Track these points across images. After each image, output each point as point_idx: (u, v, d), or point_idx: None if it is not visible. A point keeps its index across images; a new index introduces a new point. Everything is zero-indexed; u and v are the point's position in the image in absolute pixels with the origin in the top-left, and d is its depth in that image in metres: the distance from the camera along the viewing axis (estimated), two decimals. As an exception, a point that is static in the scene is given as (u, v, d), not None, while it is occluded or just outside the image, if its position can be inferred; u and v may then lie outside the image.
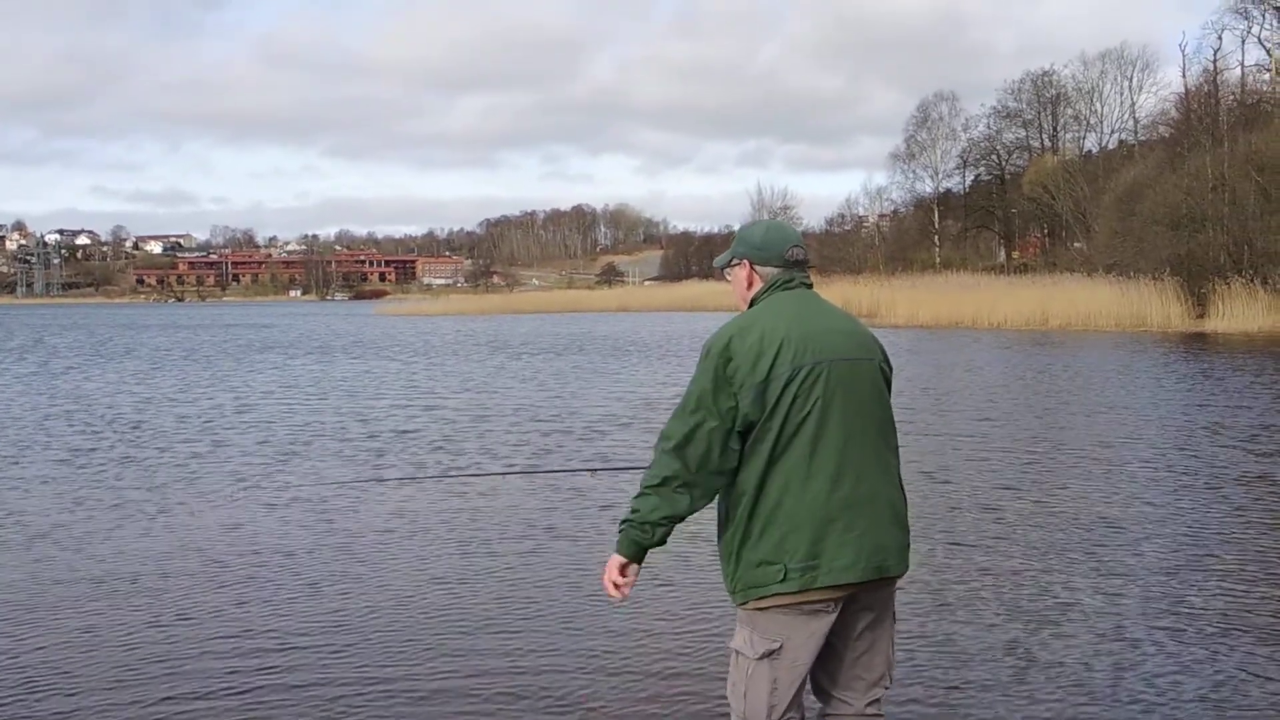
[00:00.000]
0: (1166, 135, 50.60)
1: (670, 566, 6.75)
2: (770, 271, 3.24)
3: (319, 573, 6.93)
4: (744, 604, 3.08)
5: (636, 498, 3.11)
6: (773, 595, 3.01)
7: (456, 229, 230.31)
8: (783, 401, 2.99)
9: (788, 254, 3.23)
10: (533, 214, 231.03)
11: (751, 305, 3.24)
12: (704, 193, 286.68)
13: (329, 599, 6.36)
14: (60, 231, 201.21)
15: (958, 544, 7.46)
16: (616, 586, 3.16)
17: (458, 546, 7.60)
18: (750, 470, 3.04)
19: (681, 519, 3.08)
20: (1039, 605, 6.03)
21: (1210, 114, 41.95)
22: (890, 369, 3.27)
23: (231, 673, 5.11)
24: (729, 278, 3.36)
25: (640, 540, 3.10)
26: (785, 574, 2.97)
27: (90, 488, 10.01)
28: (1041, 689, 4.79)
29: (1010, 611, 5.92)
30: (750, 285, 3.28)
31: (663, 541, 3.11)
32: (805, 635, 3.04)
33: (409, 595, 6.40)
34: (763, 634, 3.05)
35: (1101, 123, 72.07)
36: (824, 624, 3.05)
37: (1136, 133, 67.89)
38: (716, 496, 3.12)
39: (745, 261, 3.29)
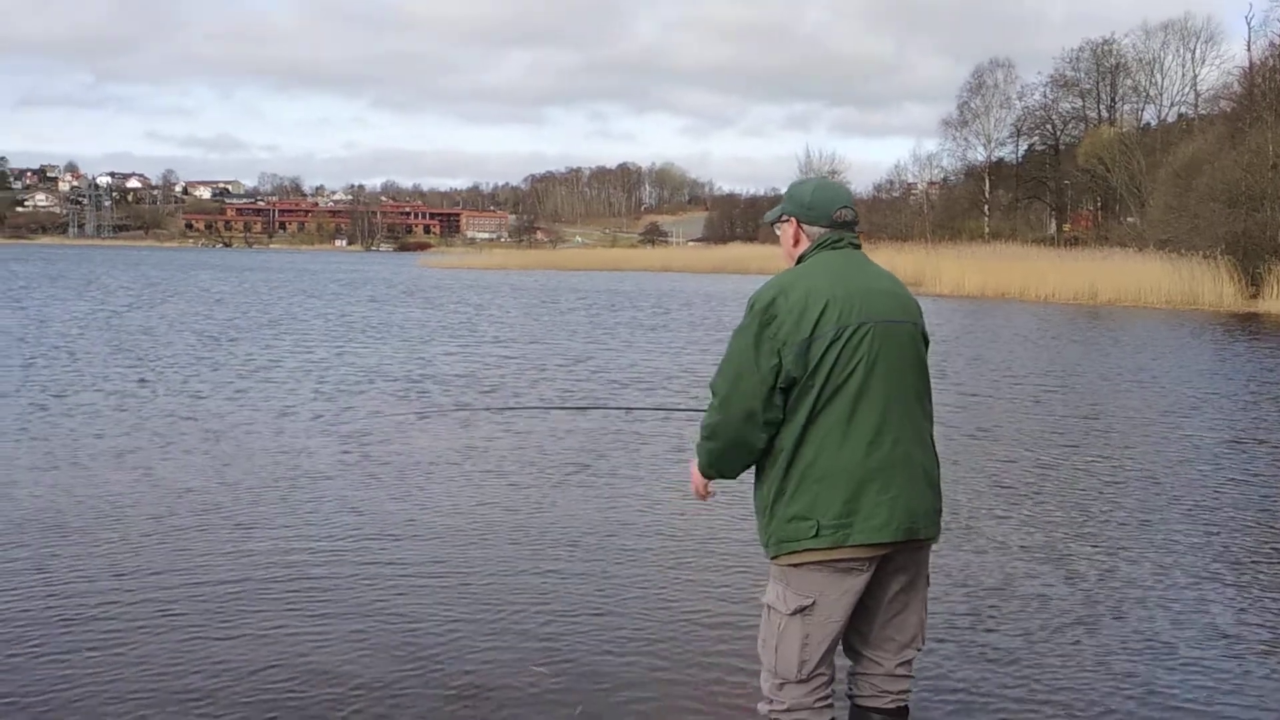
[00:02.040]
0: (1228, 110, 49.43)
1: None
2: (817, 231, 3.23)
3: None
4: (776, 558, 3.12)
5: (697, 445, 3.29)
6: (805, 550, 3.03)
7: (501, 184, 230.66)
8: (825, 360, 3.00)
9: (836, 215, 3.22)
10: (578, 171, 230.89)
11: (798, 263, 3.23)
12: (750, 155, 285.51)
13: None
14: (111, 174, 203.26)
15: (996, 508, 7.36)
16: (701, 494, 3.45)
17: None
18: (790, 426, 3.06)
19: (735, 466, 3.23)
20: (1084, 571, 5.94)
21: (1274, 89, 40.92)
22: (927, 334, 3.28)
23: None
24: (777, 232, 3.35)
25: (708, 475, 3.34)
26: (818, 530, 2.99)
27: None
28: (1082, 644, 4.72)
29: (1057, 573, 5.84)
30: (797, 243, 3.27)
31: (732, 476, 3.28)
32: (839, 592, 3.06)
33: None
34: (796, 590, 3.08)
35: (1161, 95, 70.50)
36: (858, 582, 3.06)
37: (1197, 106, 66.32)
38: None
39: (792, 219, 3.28)
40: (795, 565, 3.06)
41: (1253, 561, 6.56)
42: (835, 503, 2.99)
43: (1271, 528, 7.37)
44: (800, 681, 3.13)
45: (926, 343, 3.25)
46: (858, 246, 3.25)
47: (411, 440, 10.12)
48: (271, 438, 10.04)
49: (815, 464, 3.01)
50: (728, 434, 3.12)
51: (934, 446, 3.23)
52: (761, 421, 3.07)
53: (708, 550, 6.57)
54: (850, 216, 3.23)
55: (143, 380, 13.70)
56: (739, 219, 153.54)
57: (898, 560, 3.11)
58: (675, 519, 7.33)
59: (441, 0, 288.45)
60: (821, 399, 3.00)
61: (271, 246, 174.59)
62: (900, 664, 3.24)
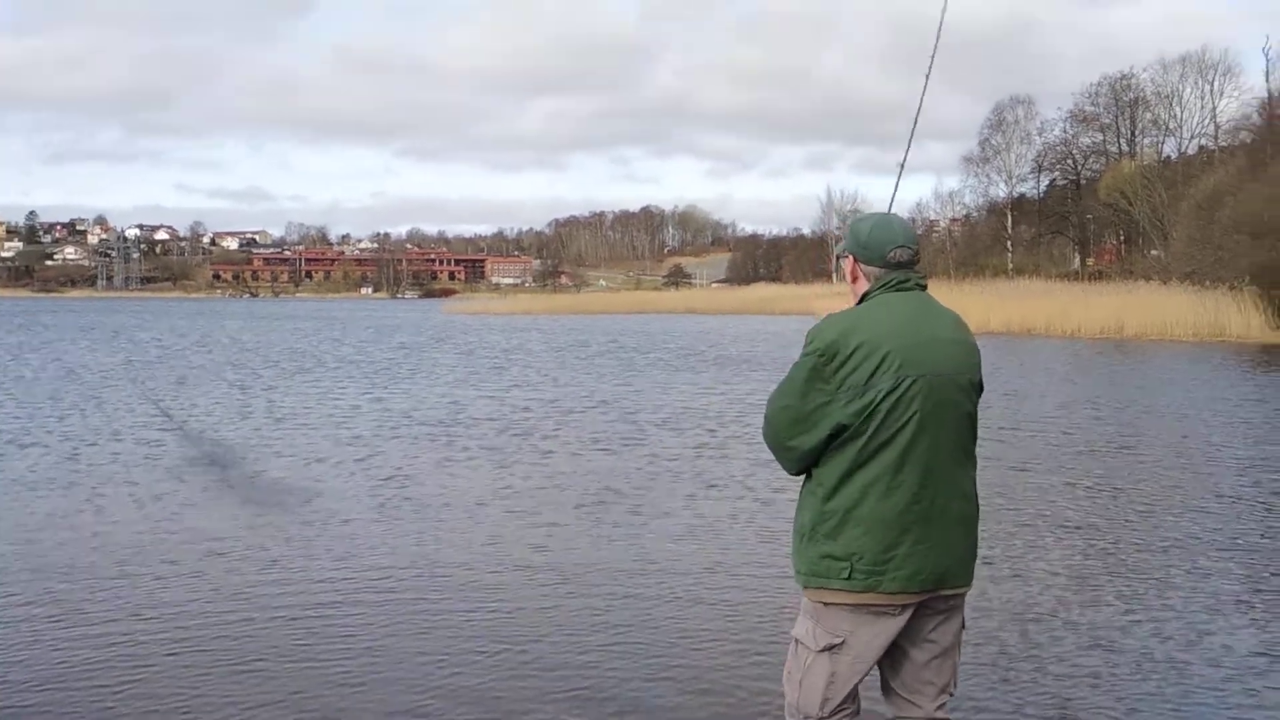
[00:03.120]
0: (1248, 141, 49.38)
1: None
2: (874, 270, 3.20)
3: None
4: (806, 589, 3.13)
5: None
6: (835, 591, 3.04)
7: (525, 229, 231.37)
8: (880, 409, 3.00)
9: (890, 255, 3.18)
10: (601, 214, 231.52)
11: (862, 300, 3.21)
12: (772, 196, 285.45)
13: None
14: (140, 226, 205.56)
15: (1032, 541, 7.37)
16: None
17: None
18: (834, 465, 3.06)
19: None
20: (1107, 608, 5.95)
21: (1295, 120, 40.88)
22: (981, 382, 3.26)
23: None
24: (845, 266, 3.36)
25: None
26: (851, 573, 3.00)
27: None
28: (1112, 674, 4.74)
29: (1084, 602, 5.86)
30: (855, 280, 3.27)
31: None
32: (870, 634, 3.06)
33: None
34: (826, 628, 3.09)
35: (1181, 128, 70.36)
36: (891, 626, 3.07)
37: (1217, 138, 66.24)
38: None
39: (850, 256, 3.28)
40: (826, 604, 3.08)
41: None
42: (871, 549, 3.00)
43: (1304, 557, 7.35)
44: (822, 718, 3.13)
45: (980, 391, 3.24)
46: (924, 288, 3.22)
47: (444, 481, 10.21)
48: (308, 482, 10.15)
49: (857, 508, 3.02)
50: (770, 445, 3.19)
51: (975, 495, 3.21)
52: (796, 456, 3.11)
53: (735, 581, 6.62)
54: (906, 257, 3.18)
55: (174, 428, 13.87)
56: (762, 260, 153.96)
57: (935, 605, 3.11)
58: (706, 554, 7.38)
59: (467, 51, 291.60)
60: (870, 447, 3.01)
61: (298, 295, 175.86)
62: (938, 707, 3.22)
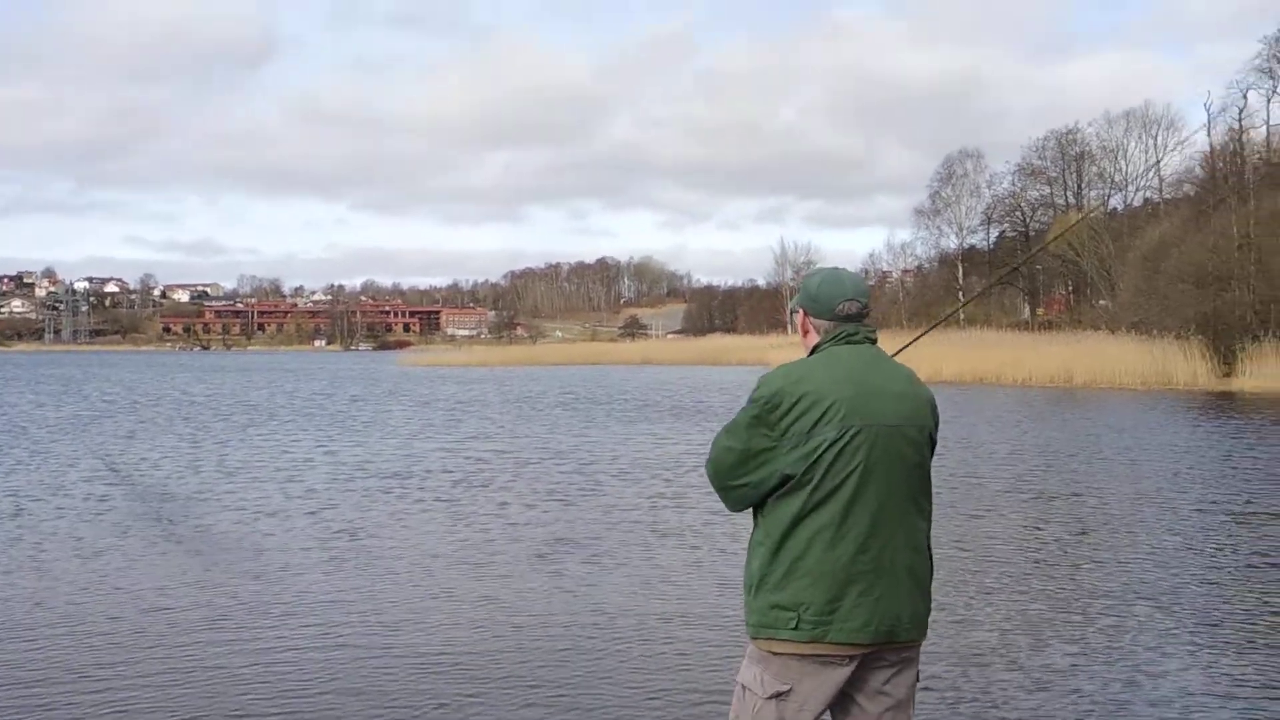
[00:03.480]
0: (1192, 193, 50.52)
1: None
2: (824, 324, 3.23)
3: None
4: (755, 639, 3.12)
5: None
6: (783, 641, 3.04)
7: (481, 280, 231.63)
8: (823, 460, 3.01)
9: (839, 308, 3.21)
10: (557, 266, 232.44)
11: (813, 353, 3.23)
12: (726, 247, 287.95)
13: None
14: (89, 279, 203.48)
15: (988, 592, 7.39)
16: None
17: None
18: (781, 515, 3.06)
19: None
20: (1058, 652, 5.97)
21: (1236, 172, 41.93)
22: (936, 433, 3.26)
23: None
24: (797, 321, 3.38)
25: None
26: (798, 623, 3.00)
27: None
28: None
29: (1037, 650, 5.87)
30: (806, 333, 3.29)
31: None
32: (816, 683, 3.05)
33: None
34: (774, 675, 3.07)
35: (1126, 181, 71.93)
36: (837, 675, 3.05)
37: (1161, 191, 67.73)
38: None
39: (801, 310, 3.31)
40: (774, 653, 3.07)
41: (1243, 623, 6.60)
42: (818, 600, 3.00)
43: (1261, 595, 7.42)
44: None
45: (934, 441, 3.24)
46: (873, 341, 3.25)
47: (397, 533, 10.08)
48: (258, 535, 9.99)
49: (803, 559, 3.02)
50: (713, 483, 3.19)
51: (928, 548, 3.20)
52: (736, 497, 3.13)
53: (690, 630, 6.58)
54: (854, 310, 3.21)
55: (121, 482, 13.63)
56: (717, 310, 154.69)
57: (887, 657, 3.10)
58: (661, 601, 7.33)
59: (423, 104, 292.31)
60: (815, 497, 3.01)
61: (250, 348, 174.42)
62: None
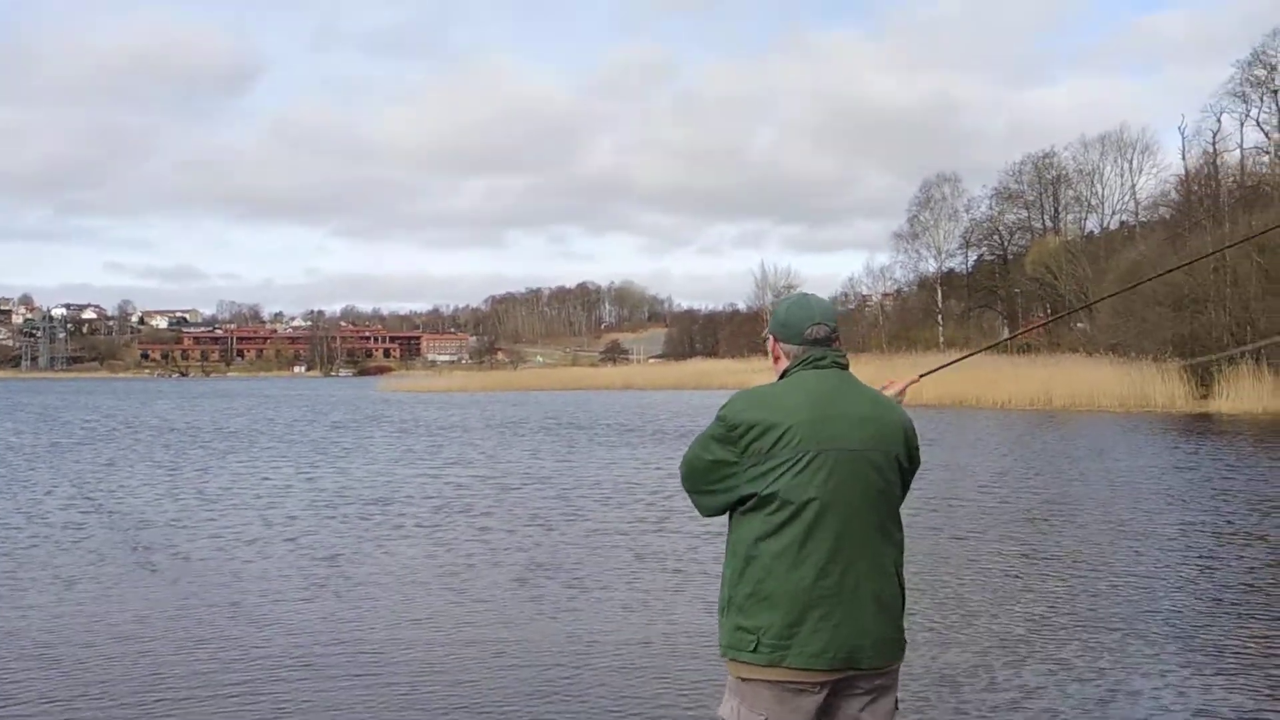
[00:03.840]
0: (1167, 216, 51.01)
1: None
2: (793, 349, 3.24)
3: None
4: (725, 659, 3.13)
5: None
6: (745, 664, 3.04)
7: (462, 306, 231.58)
8: (781, 483, 3.02)
9: (807, 332, 3.22)
10: (538, 291, 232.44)
11: (782, 378, 3.25)
12: (707, 272, 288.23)
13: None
14: (67, 306, 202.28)
15: (969, 614, 7.40)
16: None
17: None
18: (744, 536, 3.09)
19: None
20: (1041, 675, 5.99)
21: (1210, 195, 42.37)
22: (911, 460, 3.24)
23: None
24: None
25: None
26: (757, 645, 3.00)
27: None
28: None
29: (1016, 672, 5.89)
30: (777, 359, 3.31)
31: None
32: (789, 711, 3.03)
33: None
34: (749, 706, 3.07)
35: (1103, 204, 72.69)
36: (807, 703, 3.04)
37: (1137, 214, 68.44)
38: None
39: (771, 336, 3.33)
40: (745, 680, 3.07)
41: (1224, 648, 6.63)
42: (777, 624, 3.00)
43: (1243, 614, 7.46)
44: None
45: (907, 466, 3.23)
46: (843, 365, 3.25)
47: (378, 559, 10.03)
48: (237, 563, 9.92)
49: (764, 582, 3.03)
50: (685, 487, 3.27)
51: (898, 574, 3.18)
52: (705, 504, 3.19)
53: (674, 653, 6.56)
54: (823, 334, 3.23)
55: (100, 510, 13.53)
56: (699, 335, 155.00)
57: (858, 685, 3.08)
58: (642, 626, 7.31)
59: (402, 130, 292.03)
60: (775, 520, 3.02)
61: (229, 375, 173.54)
62: None
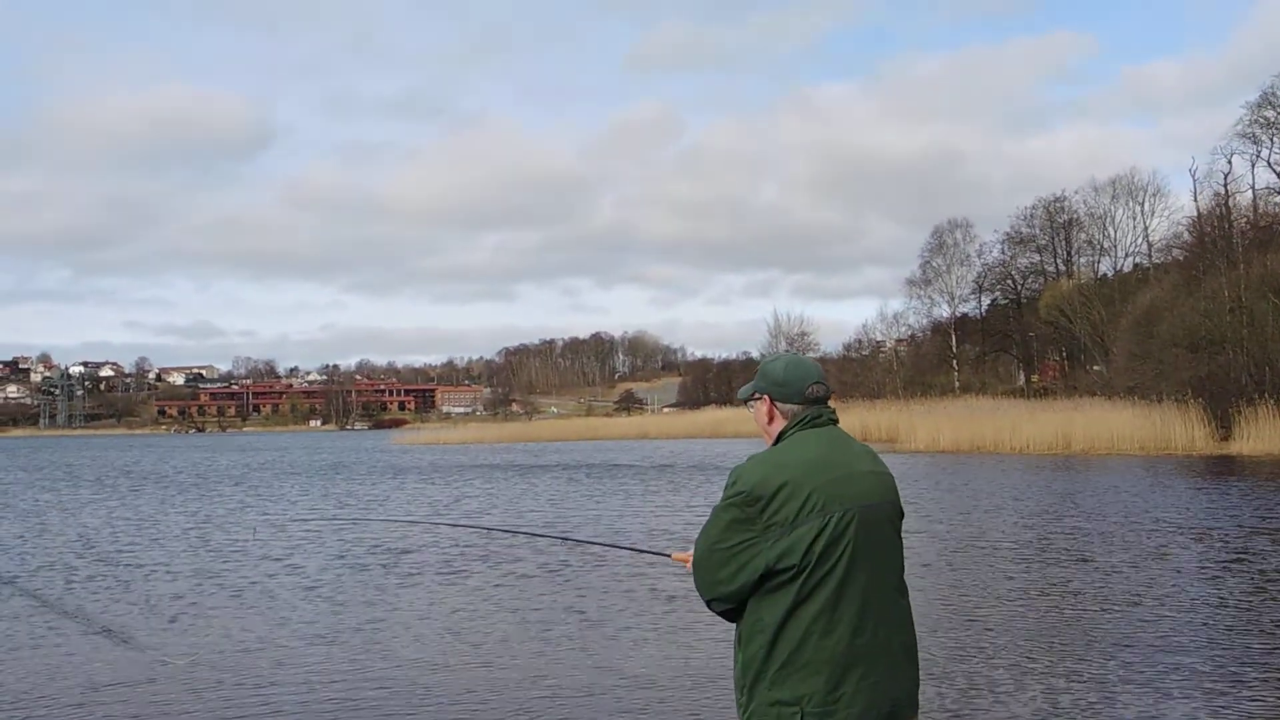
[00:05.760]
0: (1181, 258, 50.93)
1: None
2: (791, 409, 3.23)
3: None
4: None
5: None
6: None
7: (475, 358, 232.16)
8: (812, 550, 2.98)
9: (808, 391, 3.22)
10: (551, 342, 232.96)
11: (779, 439, 3.22)
12: (717, 321, 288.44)
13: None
14: (85, 364, 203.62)
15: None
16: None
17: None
18: (771, 610, 3.01)
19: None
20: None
21: (1224, 237, 42.32)
22: (902, 511, 3.26)
23: None
24: (750, 409, 3.35)
25: None
26: (802, 716, 2.94)
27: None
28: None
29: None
30: (771, 420, 3.27)
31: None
32: None
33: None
34: None
35: (1115, 246, 72.73)
36: None
37: (1150, 256, 68.40)
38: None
39: (765, 397, 3.29)
40: None
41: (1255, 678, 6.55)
42: (820, 690, 2.96)
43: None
44: None
45: (901, 517, 3.26)
46: (836, 422, 3.26)
47: (389, 602, 10.01)
48: (248, 612, 9.92)
49: (800, 651, 2.98)
50: (701, 590, 3.12)
51: (911, 620, 3.20)
52: (724, 595, 3.06)
53: (700, 688, 6.51)
54: (822, 392, 3.24)
55: (128, 566, 13.55)
56: (712, 383, 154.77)
57: None
58: (676, 663, 7.26)
59: (413, 189, 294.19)
60: (806, 587, 2.98)
61: (245, 430, 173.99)
62: None
